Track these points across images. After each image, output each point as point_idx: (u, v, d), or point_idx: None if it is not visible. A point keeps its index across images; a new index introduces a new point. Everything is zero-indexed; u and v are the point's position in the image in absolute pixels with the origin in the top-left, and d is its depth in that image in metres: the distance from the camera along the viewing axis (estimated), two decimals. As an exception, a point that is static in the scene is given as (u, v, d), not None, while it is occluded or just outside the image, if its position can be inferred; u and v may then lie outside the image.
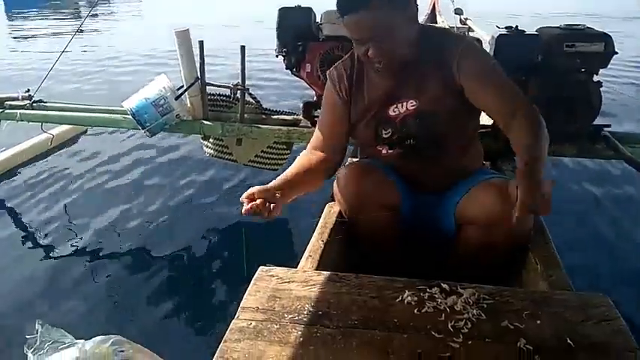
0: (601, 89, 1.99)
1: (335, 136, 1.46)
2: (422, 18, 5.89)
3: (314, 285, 1.12)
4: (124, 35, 9.11)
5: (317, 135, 1.49)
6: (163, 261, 2.26)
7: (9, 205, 2.76)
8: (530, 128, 1.18)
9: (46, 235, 2.46)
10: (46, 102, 2.74)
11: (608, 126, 2.09)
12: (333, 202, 1.59)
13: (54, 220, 2.59)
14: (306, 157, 1.44)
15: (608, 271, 2.10)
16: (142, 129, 2.33)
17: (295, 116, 2.52)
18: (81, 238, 2.42)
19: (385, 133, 1.41)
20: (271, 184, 1.24)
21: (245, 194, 1.14)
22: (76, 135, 3.63)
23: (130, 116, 2.33)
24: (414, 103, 1.36)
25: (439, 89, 1.33)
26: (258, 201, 1.12)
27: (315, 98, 2.41)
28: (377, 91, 1.40)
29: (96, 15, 12.10)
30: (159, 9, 13.29)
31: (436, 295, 1.08)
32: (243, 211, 1.11)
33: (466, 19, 5.44)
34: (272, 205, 1.14)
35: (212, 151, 2.65)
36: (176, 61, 2.38)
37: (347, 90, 1.44)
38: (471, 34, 5.19)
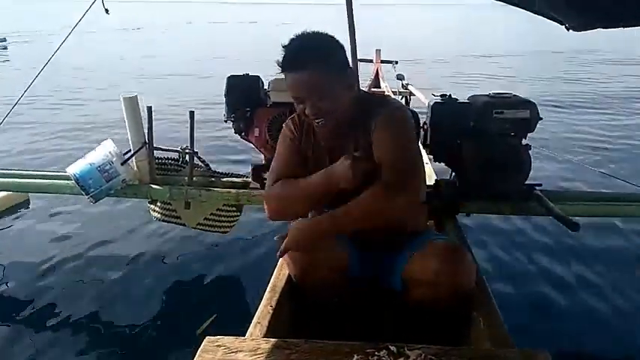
0: (530, 151, 2.16)
1: (294, 170, 1.47)
2: (366, 82, 6.21)
3: (262, 354, 1.11)
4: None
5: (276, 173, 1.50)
6: (105, 329, 2.16)
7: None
8: (364, 196, 1.29)
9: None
10: (-16, 168, 2.64)
11: (540, 185, 2.24)
12: (281, 265, 1.59)
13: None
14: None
15: (547, 324, 2.18)
16: (86, 195, 2.27)
17: (244, 179, 2.55)
18: (21, 309, 2.29)
19: None
20: None
21: None
22: (17, 202, 3.46)
23: (73, 182, 2.28)
24: None
25: (368, 151, 1.40)
26: None
27: (263, 162, 2.46)
28: (320, 151, 1.50)
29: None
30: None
31: (384, 358, 1.10)
32: None
33: (407, 84, 5.77)
34: None
35: (159, 215, 2.61)
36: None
37: (299, 139, 1.52)
38: (412, 98, 5.51)
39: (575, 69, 12.19)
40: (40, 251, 2.85)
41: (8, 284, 2.51)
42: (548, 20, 2.14)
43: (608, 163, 4.57)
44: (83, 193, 2.28)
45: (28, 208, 3.47)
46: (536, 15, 2.13)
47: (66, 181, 2.41)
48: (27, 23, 23.59)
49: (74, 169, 2.28)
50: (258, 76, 2.47)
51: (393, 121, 1.39)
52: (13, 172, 2.68)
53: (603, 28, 1.88)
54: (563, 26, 2.04)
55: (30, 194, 3.44)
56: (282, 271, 1.58)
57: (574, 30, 2.02)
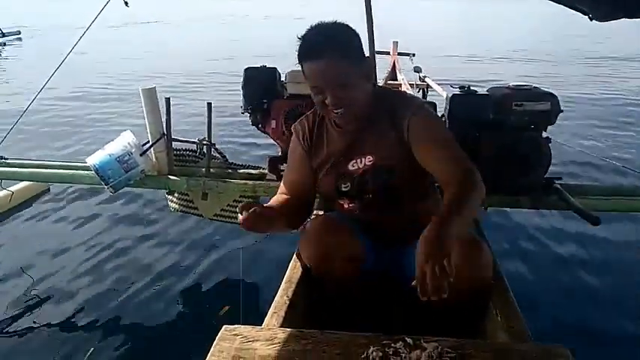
0: (550, 144, 2.12)
1: (300, 188, 1.50)
2: (383, 75, 6.15)
3: (278, 343, 1.12)
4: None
5: (282, 189, 1.54)
6: (123, 317, 2.20)
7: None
8: (461, 191, 1.23)
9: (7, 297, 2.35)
10: (7, 158, 2.69)
11: (560, 178, 2.21)
12: (297, 257, 1.60)
13: (15, 280, 2.48)
14: (281, 197, 1.48)
15: (566, 320, 2.16)
16: (106, 185, 2.30)
17: (261, 170, 2.56)
18: (40, 299, 2.34)
19: (344, 187, 1.46)
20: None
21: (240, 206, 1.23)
22: (38, 192, 3.52)
23: (93, 172, 2.31)
24: (371, 158, 1.43)
25: (393, 147, 1.40)
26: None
27: (280, 153, 2.47)
28: (336, 146, 1.48)
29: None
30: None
31: (400, 350, 1.09)
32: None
33: (424, 76, 5.70)
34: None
35: (177, 206, 2.64)
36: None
37: (309, 142, 1.52)
38: (429, 90, 5.45)
39: (594, 59, 11.93)
40: (60, 241, 2.91)
41: (28, 274, 2.56)
42: (572, 11, 2.09)
43: (628, 156, 4.48)
44: (102, 183, 2.31)
45: (48, 198, 3.53)
46: (559, 5, 2.08)
47: (86, 172, 2.44)
48: (42, 16, 23.86)
49: (94, 159, 2.31)
50: (275, 68, 2.47)
51: (431, 116, 1.46)
52: (33, 162, 2.73)
53: (627, 17, 1.84)
54: (587, 16, 2.00)
55: (50, 184, 3.50)
56: (297, 263, 1.59)
57: (597, 20, 1.97)
